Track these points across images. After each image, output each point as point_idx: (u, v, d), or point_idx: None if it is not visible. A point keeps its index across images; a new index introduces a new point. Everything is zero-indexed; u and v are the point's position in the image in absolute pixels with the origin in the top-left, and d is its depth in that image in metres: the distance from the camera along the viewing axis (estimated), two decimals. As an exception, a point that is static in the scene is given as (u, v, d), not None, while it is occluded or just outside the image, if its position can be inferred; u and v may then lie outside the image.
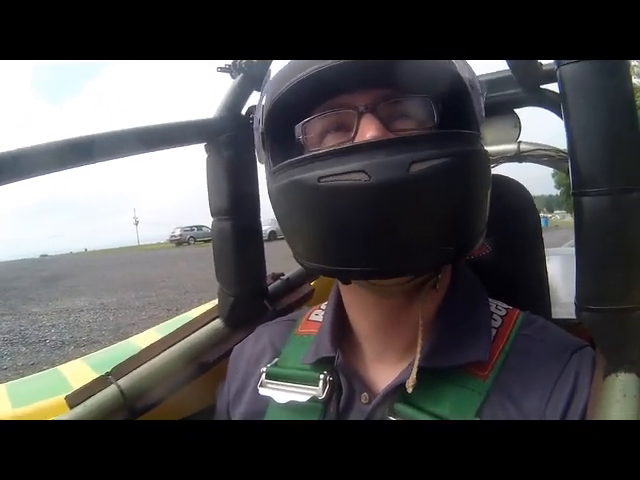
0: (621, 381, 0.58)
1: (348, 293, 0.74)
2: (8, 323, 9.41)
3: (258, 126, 0.71)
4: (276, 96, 0.65)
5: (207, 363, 1.06)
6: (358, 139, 0.62)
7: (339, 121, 0.65)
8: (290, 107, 0.66)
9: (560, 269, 1.57)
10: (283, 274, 1.32)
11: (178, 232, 39.21)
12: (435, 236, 0.59)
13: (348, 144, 0.60)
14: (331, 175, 0.56)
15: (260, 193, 1.07)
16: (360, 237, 0.57)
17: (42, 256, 49.05)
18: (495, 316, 0.71)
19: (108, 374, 0.97)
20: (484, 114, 0.69)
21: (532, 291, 0.92)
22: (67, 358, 6.11)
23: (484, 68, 1.19)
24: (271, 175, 0.67)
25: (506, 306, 0.74)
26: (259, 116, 0.71)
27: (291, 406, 0.72)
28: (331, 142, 0.65)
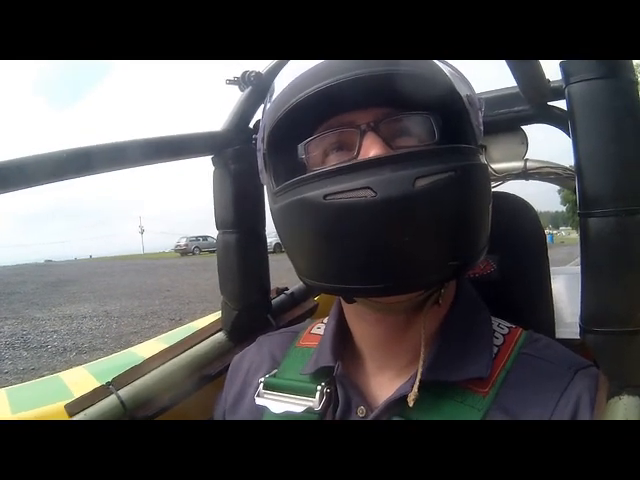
0: (624, 404, 0.58)
1: (350, 308, 0.73)
2: (11, 327, 9.43)
3: (260, 146, 0.71)
4: (277, 116, 0.65)
5: (209, 376, 1.05)
6: (361, 157, 0.62)
7: (341, 140, 0.66)
8: (291, 127, 0.66)
9: (565, 288, 1.56)
10: (287, 288, 1.32)
11: (183, 242, 39.28)
12: (441, 251, 0.59)
13: (353, 161, 0.61)
14: (337, 192, 0.57)
15: (266, 206, 1.07)
16: (367, 254, 0.57)
17: (47, 261, 49.13)
18: (497, 334, 0.71)
19: (109, 383, 0.97)
20: (482, 128, 0.69)
21: (536, 310, 0.91)
22: (69, 364, 6.12)
23: (492, 85, 1.19)
24: (274, 195, 0.67)
25: (509, 324, 0.73)
26: (261, 136, 0.71)
27: (286, 417, 0.72)
28: (334, 161, 0.66)
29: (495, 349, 0.68)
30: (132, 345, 1.53)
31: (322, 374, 0.73)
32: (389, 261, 0.57)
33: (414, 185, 0.55)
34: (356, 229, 0.56)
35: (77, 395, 0.96)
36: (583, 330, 0.61)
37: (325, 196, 0.57)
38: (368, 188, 0.55)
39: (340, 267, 0.60)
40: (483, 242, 0.64)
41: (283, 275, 1.16)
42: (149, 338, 1.49)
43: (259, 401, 0.76)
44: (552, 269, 0.96)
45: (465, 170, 0.59)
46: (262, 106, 0.77)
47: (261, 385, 0.77)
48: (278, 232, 0.69)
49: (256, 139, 0.74)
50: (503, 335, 0.71)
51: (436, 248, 0.58)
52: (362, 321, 0.72)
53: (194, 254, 36.95)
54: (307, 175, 0.62)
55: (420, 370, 0.63)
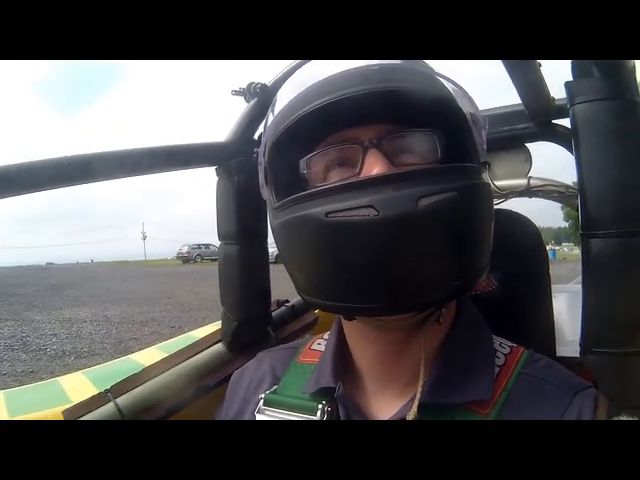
0: None
1: (350, 325, 0.73)
2: (10, 329, 9.42)
3: (262, 160, 0.71)
4: (279, 131, 0.65)
5: (207, 386, 1.05)
6: (364, 175, 0.61)
7: (343, 156, 0.65)
8: (293, 142, 0.66)
9: (566, 307, 1.56)
10: (288, 301, 1.32)
11: (185, 249, 39.25)
12: (443, 270, 0.58)
13: (356, 179, 0.60)
14: (339, 210, 0.56)
15: (268, 219, 1.07)
16: (368, 273, 0.57)
17: (48, 264, 49.25)
18: (498, 354, 0.70)
19: (107, 391, 0.97)
20: (486, 147, 0.69)
21: (537, 329, 0.90)
22: (67, 368, 6.11)
23: (496, 102, 1.20)
24: (275, 210, 0.67)
25: (510, 344, 0.73)
26: (262, 150, 0.71)
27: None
28: (336, 177, 0.65)
29: (496, 369, 0.67)
30: (131, 351, 1.53)
31: (323, 393, 0.72)
32: (390, 280, 0.57)
33: (417, 204, 0.54)
34: (358, 248, 0.56)
35: (75, 401, 0.97)
36: (583, 350, 0.61)
37: (327, 214, 0.57)
38: (371, 207, 0.55)
39: (341, 285, 0.60)
40: (485, 261, 0.64)
41: (284, 285, 1.16)
42: (149, 345, 1.50)
43: (259, 417, 0.75)
44: (553, 287, 0.96)
45: (468, 189, 0.59)
46: (265, 119, 0.77)
47: (261, 401, 0.77)
48: (278, 247, 0.68)
49: (257, 152, 0.74)
50: (504, 355, 0.70)
51: (438, 268, 0.58)
52: (361, 338, 0.72)
53: (196, 262, 36.92)
54: (309, 192, 0.62)
55: (420, 390, 0.63)
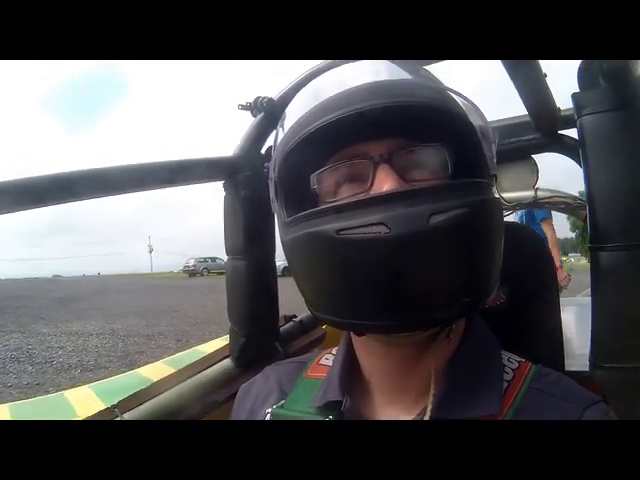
0: None
1: (359, 340, 0.72)
2: (17, 340, 9.44)
3: (272, 175, 0.71)
4: (290, 146, 0.65)
5: (215, 402, 1.04)
6: (374, 190, 0.61)
7: (354, 171, 0.65)
8: (304, 157, 0.66)
9: (575, 320, 1.55)
10: (296, 316, 1.31)
11: (192, 263, 39.27)
12: (454, 288, 0.58)
13: (366, 196, 0.60)
14: (350, 228, 0.56)
15: (276, 234, 1.07)
16: (379, 290, 0.56)
17: (55, 276, 49.38)
18: (507, 368, 0.69)
19: (114, 406, 0.96)
20: (496, 160, 0.69)
21: (546, 342, 0.90)
22: (73, 381, 6.10)
23: (502, 113, 1.19)
24: (285, 226, 0.67)
25: (518, 359, 0.72)
26: (273, 165, 0.70)
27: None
28: (347, 193, 0.65)
29: (505, 384, 0.67)
30: (138, 365, 1.53)
31: (330, 406, 0.72)
32: (401, 298, 0.56)
33: (429, 221, 0.54)
34: (370, 265, 0.56)
35: (81, 414, 0.96)
36: (593, 365, 0.61)
37: (338, 231, 0.57)
38: (382, 224, 0.54)
39: (351, 302, 0.60)
40: (496, 277, 0.64)
41: (292, 300, 1.16)
42: (155, 358, 1.50)
43: None
44: (562, 300, 0.95)
45: (479, 205, 0.59)
46: (274, 133, 0.77)
47: (268, 415, 0.76)
48: (288, 263, 0.68)
49: (268, 167, 0.73)
50: (513, 370, 0.69)
51: (449, 285, 0.58)
52: (370, 354, 0.71)
53: (202, 275, 36.91)
54: (320, 208, 0.62)
55: (430, 407, 0.62)
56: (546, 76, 0.78)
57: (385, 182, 0.61)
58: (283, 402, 0.79)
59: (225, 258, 1.14)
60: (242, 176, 1.06)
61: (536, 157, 1.21)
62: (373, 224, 0.55)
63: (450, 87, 0.67)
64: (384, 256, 0.55)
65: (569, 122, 0.97)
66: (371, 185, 0.62)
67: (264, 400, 0.82)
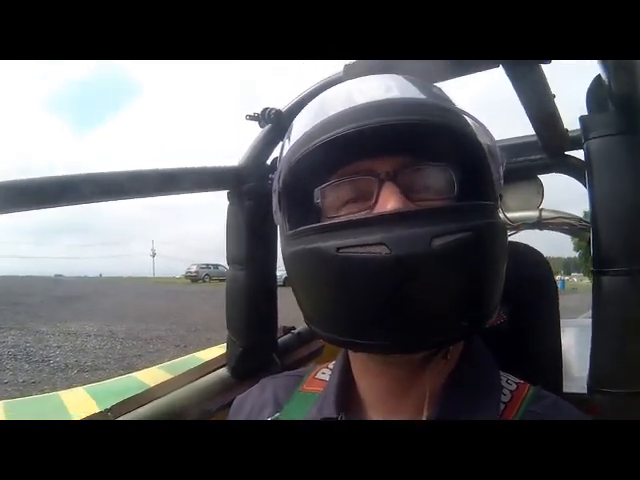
0: None
1: (356, 358, 0.72)
2: (14, 338, 9.45)
3: (276, 186, 0.70)
4: (295, 159, 0.65)
5: (209, 411, 1.04)
6: (378, 209, 0.61)
7: (358, 188, 0.64)
8: (309, 170, 0.65)
9: (575, 342, 1.54)
10: (294, 328, 1.31)
11: (194, 269, 39.24)
12: (453, 311, 0.57)
13: (369, 214, 0.60)
14: (350, 246, 0.56)
15: (278, 245, 1.07)
16: (377, 310, 0.56)
17: (57, 276, 49.44)
18: (505, 390, 0.68)
19: (107, 410, 0.96)
20: (502, 182, 0.68)
21: (545, 364, 0.89)
22: (69, 381, 6.09)
23: (509, 132, 1.19)
24: (287, 239, 0.66)
25: (517, 380, 0.71)
26: (277, 177, 0.70)
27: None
28: (350, 209, 0.64)
29: (502, 406, 0.66)
30: (135, 368, 1.53)
31: None
32: (398, 319, 0.55)
33: (430, 244, 0.53)
34: (367, 285, 0.55)
35: (74, 416, 0.96)
36: (591, 390, 0.60)
37: (338, 249, 0.56)
38: (382, 244, 0.54)
39: (348, 320, 0.59)
40: (496, 302, 0.63)
41: (291, 312, 1.16)
42: (153, 362, 1.49)
43: None
44: (562, 321, 0.95)
45: (483, 229, 0.58)
46: (280, 145, 0.77)
47: None
48: (288, 275, 0.68)
49: (272, 178, 0.73)
50: (511, 392, 0.68)
51: (448, 308, 0.57)
52: (367, 372, 0.71)
53: (204, 281, 36.92)
54: (322, 224, 0.62)
55: None
56: (554, 97, 0.78)
57: (389, 200, 0.60)
58: (278, 414, 0.78)
59: (226, 270, 1.14)
60: (247, 187, 1.06)
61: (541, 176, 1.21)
62: (374, 244, 0.54)
63: (460, 107, 0.67)
64: (383, 277, 0.54)
65: (577, 143, 0.97)
66: (375, 202, 0.61)
67: (259, 412, 0.82)
